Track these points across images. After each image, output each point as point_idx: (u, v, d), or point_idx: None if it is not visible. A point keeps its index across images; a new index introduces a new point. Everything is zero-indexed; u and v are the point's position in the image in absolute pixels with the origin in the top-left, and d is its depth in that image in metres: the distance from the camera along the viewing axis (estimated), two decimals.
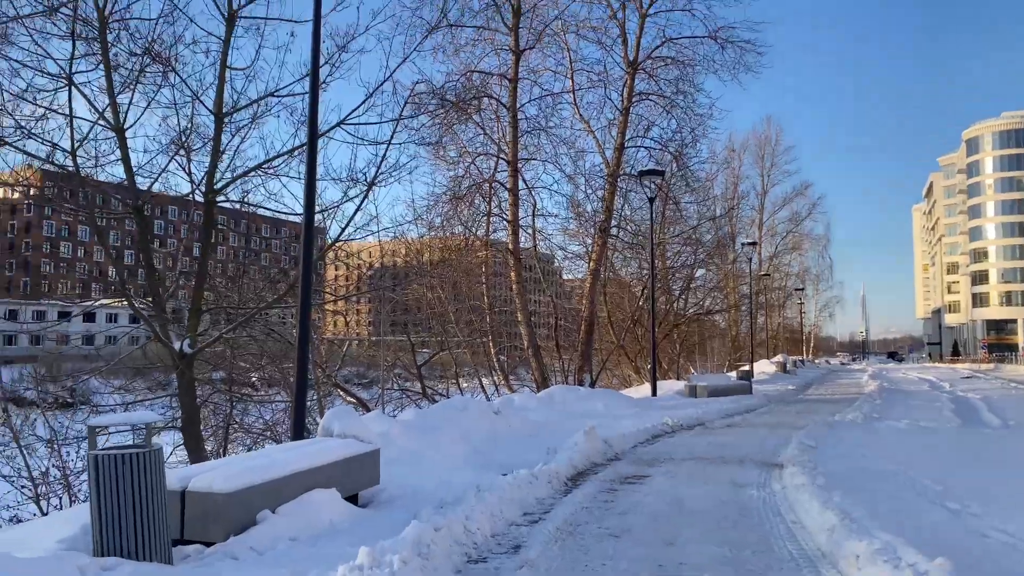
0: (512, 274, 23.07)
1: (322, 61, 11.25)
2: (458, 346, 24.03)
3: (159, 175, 11.05)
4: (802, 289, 60.14)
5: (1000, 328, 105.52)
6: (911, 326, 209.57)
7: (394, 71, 10.91)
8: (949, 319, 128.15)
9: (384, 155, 10.66)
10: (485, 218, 25.04)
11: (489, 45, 22.58)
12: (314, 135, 7.98)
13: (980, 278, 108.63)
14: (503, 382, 25.67)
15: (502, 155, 22.80)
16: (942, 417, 14.53)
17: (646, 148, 24.25)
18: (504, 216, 23.34)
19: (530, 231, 24.25)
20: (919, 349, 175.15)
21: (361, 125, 11.16)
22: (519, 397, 15.14)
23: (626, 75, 23.68)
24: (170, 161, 11.10)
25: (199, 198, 11.13)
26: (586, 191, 24.26)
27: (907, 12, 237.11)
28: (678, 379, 33.77)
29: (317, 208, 11.48)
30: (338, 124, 11.28)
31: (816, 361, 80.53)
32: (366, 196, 10.41)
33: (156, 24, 10.44)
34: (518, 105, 22.24)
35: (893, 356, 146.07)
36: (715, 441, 11.91)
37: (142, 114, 10.83)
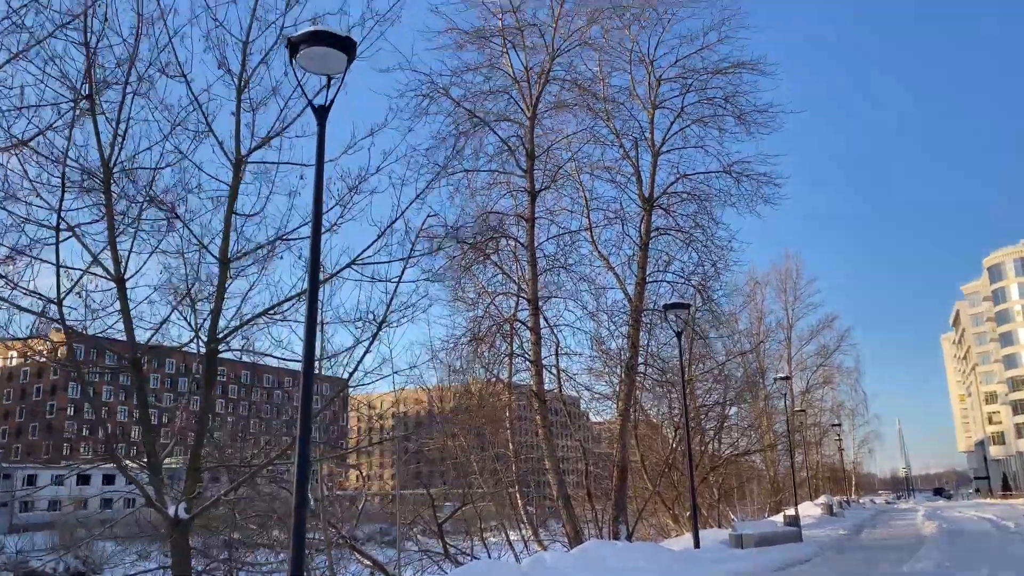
0: (537, 418, 21.95)
1: (332, 203, 10.91)
2: (483, 499, 22.56)
3: (160, 326, 10.44)
4: (839, 424, 57.81)
5: None
6: (954, 460, 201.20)
7: (405, 210, 10.47)
8: (994, 451, 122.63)
9: (394, 293, 10.00)
10: (507, 359, 24.28)
11: (504, 187, 22.64)
12: (315, 279, 7.34)
13: (1021, 407, 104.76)
14: (532, 536, 23.95)
15: (522, 294, 22.28)
16: None
17: (668, 282, 23.73)
18: (527, 356, 22.51)
19: (554, 371, 23.31)
20: (966, 484, 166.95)
21: (372, 264, 10.60)
22: (551, 556, 13.72)
23: (643, 211, 23.52)
24: (172, 311, 10.53)
25: (200, 347, 10.45)
26: (609, 328, 23.48)
27: (914, 141, 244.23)
28: (719, 526, 31.57)
29: (327, 354, 10.80)
30: (348, 265, 10.74)
31: (860, 501, 76.30)
32: (375, 337, 9.66)
33: (160, 172, 10.18)
34: (536, 244, 21.95)
35: (940, 493, 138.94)
36: None
37: (144, 263, 10.34)
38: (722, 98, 22.62)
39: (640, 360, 24.54)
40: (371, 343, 9.48)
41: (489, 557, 21.26)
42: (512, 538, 23.96)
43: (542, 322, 22.83)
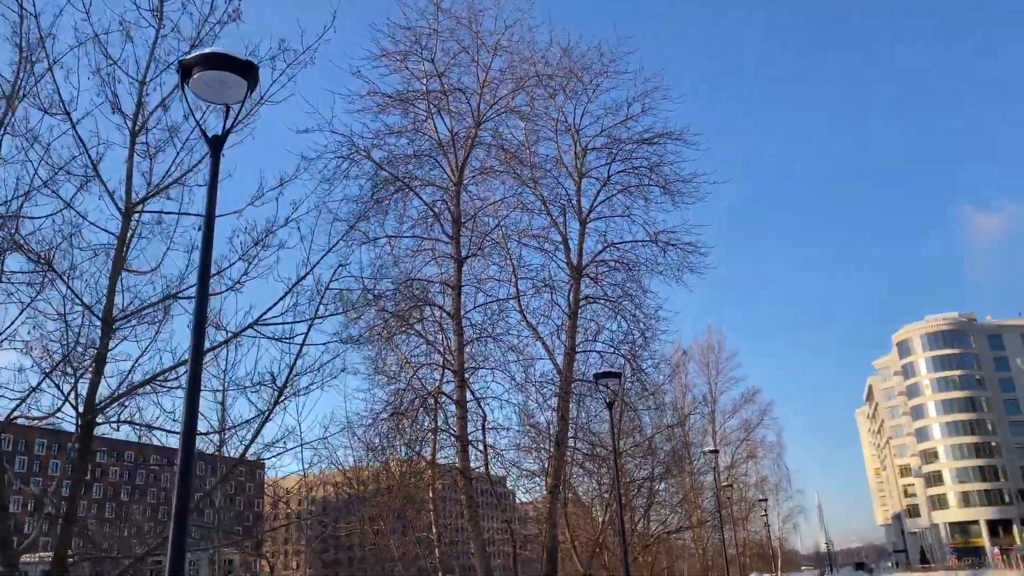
0: (463, 497, 20.64)
1: (235, 258, 9.90)
2: None
3: (27, 395, 9.06)
4: (765, 500, 57.68)
5: (964, 531, 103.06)
6: (872, 534, 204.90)
7: (315, 265, 9.49)
8: (910, 524, 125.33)
9: (298, 355, 8.91)
10: (430, 436, 23.07)
11: (430, 254, 21.83)
12: (199, 337, 6.24)
13: (934, 479, 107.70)
14: None
15: (448, 365, 21.26)
16: None
17: (598, 352, 23.09)
18: (452, 432, 21.33)
19: (480, 447, 22.16)
20: (885, 558, 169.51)
21: (278, 325, 9.52)
22: None
23: (571, 280, 23.03)
24: (44, 379, 9.18)
25: (75, 420, 9.08)
26: (538, 400, 22.57)
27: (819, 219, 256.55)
28: None
29: (228, 425, 9.57)
30: (250, 325, 9.63)
31: None
32: (277, 402, 8.49)
33: (34, 221, 9.00)
34: (462, 312, 21.08)
35: (861, 567, 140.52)
36: None
37: (12, 324, 9.02)
38: (647, 167, 22.62)
39: (570, 434, 23.67)
40: (271, 410, 8.32)
41: None
42: None
43: (468, 395, 21.84)
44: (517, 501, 39.35)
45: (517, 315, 23.14)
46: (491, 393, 22.02)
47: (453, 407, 21.30)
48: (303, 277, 9.91)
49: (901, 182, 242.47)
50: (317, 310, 9.05)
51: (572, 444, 24.43)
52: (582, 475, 28.92)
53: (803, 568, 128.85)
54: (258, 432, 8.39)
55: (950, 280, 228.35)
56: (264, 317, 9.74)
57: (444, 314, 21.52)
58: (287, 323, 9.40)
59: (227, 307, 9.46)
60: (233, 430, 8.84)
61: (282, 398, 8.35)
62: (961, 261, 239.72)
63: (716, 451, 34.09)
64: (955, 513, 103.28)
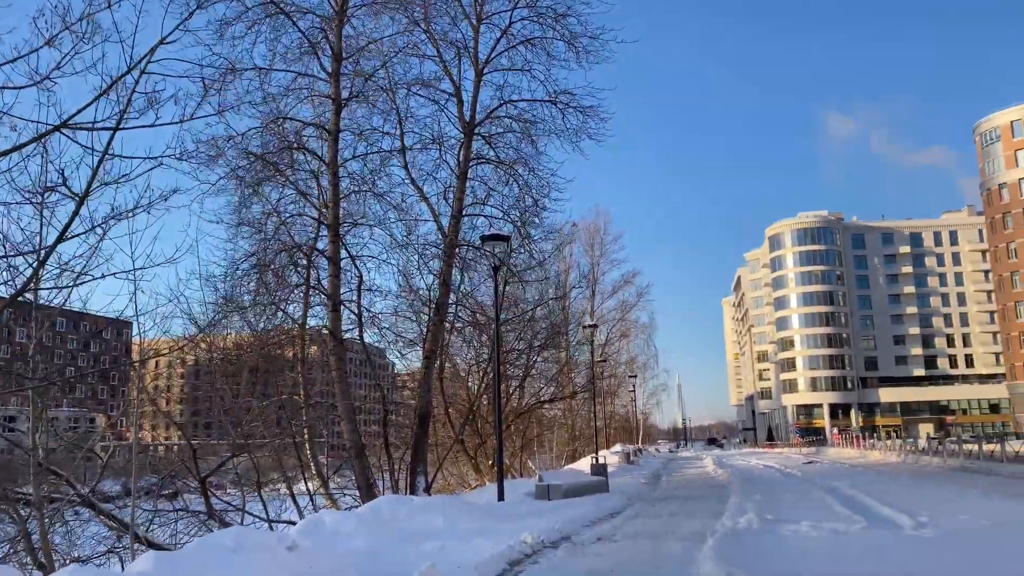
0: (332, 359, 19.41)
1: (40, 43, 7.74)
2: (261, 449, 19.78)
3: None
4: (635, 376, 59.85)
5: (809, 413, 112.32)
6: (724, 413, 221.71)
7: (148, 56, 7.50)
8: (762, 405, 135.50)
9: (103, 156, 7.08)
10: (300, 295, 21.51)
11: (305, 93, 19.51)
12: None
13: (788, 365, 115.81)
14: (323, 490, 21.58)
15: (321, 219, 19.49)
16: (837, 515, 12.39)
17: (486, 217, 21.83)
18: (323, 291, 19.82)
19: (354, 308, 20.80)
20: (733, 435, 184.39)
21: (86, 129, 7.56)
22: (332, 517, 11.43)
23: (463, 137, 21.36)
24: None
25: None
26: (419, 264, 21.29)
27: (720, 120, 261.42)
28: (521, 475, 30.79)
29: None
30: (57, 128, 7.64)
31: (647, 449, 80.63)
32: (76, 213, 6.69)
33: None
34: (340, 161, 19.17)
35: (713, 442, 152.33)
36: (590, 567, 8.92)
37: None
38: (553, 17, 20.75)
39: (451, 300, 22.70)
40: (69, 224, 6.54)
41: (267, 514, 18.64)
42: (304, 490, 21.52)
43: (343, 253, 20.28)
44: (396, 371, 38.67)
45: (401, 171, 21.44)
46: (368, 252, 20.52)
47: (327, 265, 19.75)
48: (125, 74, 7.89)
49: (783, 87, 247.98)
50: (128, 104, 7.14)
51: (453, 311, 23.51)
52: (460, 344, 28.36)
53: (659, 441, 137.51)
54: (50, 252, 6.61)
55: (831, 180, 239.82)
56: (77, 120, 7.75)
57: (319, 162, 19.54)
58: (100, 128, 7.46)
59: (28, 104, 7.42)
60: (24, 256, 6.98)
61: (81, 206, 6.56)
62: (848, 162, 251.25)
63: (595, 326, 34.16)
64: (803, 397, 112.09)
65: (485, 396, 27.46)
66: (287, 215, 19.34)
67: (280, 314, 20.75)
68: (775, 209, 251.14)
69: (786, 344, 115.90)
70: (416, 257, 21.55)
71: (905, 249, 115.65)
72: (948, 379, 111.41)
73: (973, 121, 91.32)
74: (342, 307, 20.16)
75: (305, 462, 22.14)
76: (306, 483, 21.68)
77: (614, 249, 58.47)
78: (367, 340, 21.77)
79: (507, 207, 21.62)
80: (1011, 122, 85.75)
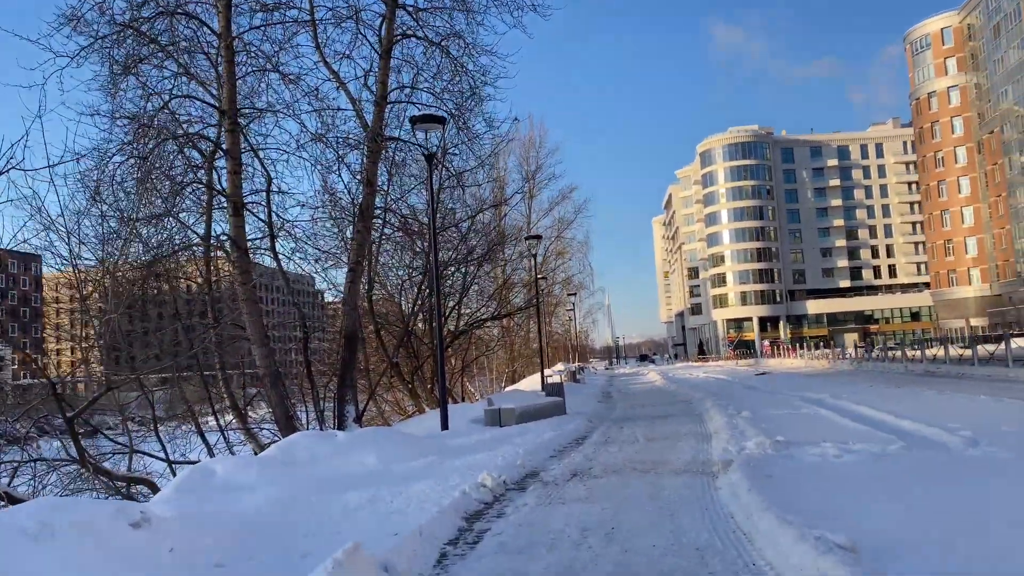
0: (236, 272, 16.33)
1: None
2: (160, 383, 16.88)
3: None
4: (575, 294, 58.12)
5: (739, 326, 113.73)
6: (653, 330, 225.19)
7: None
8: (692, 320, 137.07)
9: None
10: (199, 202, 18.25)
11: None
12: None
13: (719, 281, 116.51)
14: (239, 424, 18.78)
15: (214, 102, 16.09)
16: (855, 432, 10.34)
17: (416, 104, 18.65)
18: (221, 191, 16.59)
19: (263, 214, 17.66)
20: (662, 351, 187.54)
21: None
22: (227, 465, 8.73)
23: (385, 8, 17.99)
24: None
25: None
26: (337, 162, 18.08)
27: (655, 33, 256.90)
28: (463, 399, 28.56)
29: None
30: None
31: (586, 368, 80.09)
32: None
33: None
34: (234, 31, 15.67)
35: (645, 358, 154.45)
36: (577, 519, 6.51)
37: None
38: None
39: (379, 206, 19.74)
40: None
41: (166, 454, 15.82)
42: (216, 427, 18.75)
43: (244, 145, 17.00)
44: (320, 293, 35.46)
45: (312, 52, 18.01)
46: (275, 143, 17.28)
47: (222, 161, 16.45)
48: None
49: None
50: None
51: (381, 218, 20.58)
52: (390, 261, 25.47)
53: (591, 360, 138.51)
54: None
55: (766, 95, 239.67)
56: None
57: (208, 31, 15.99)
58: None
59: None
60: None
61: None
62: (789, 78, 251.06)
63: (538, 236, 31.59)
64: (734, 311, 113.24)
65: (420, 314, 24.83)
66: (170, 97, 15.82)
67: (176, 225, 17.51)
68: (708, 127, 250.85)
69: (717, 260, 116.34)
70: (334, 155, 18.32)
71: (833, 162, 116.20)
72: (872, 289, 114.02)
73: (863, 32, 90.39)
74: (247, 211, 17.04)
75: (214, 393, 19.32)
76: (216, 418, 18.88)
77: (551, 163, 55.88)
78: (282, 253, 18.73)
79: (440, 92, 18.52)
80: (941, 29, 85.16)
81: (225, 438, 18.46)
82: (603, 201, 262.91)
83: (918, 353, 27.26)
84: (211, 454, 18.17)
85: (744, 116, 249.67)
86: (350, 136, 18.15)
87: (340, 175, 18.52)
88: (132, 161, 15.16)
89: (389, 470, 9.52)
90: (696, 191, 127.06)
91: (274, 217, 17.99)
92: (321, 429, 18.29)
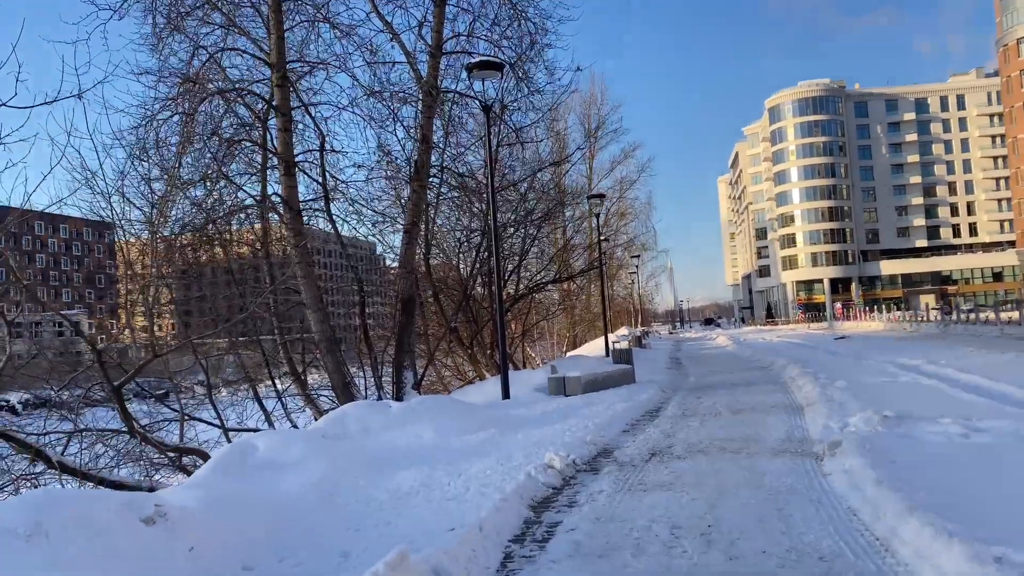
0: (290, 234, 15.69)
1: None
2: (211, 350, 16.46)
3: None
4: (638, 256, 56.52)
5: (808, 288, 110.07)
6: (718, 294, 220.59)
7: None
8: (760, 283, 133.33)
9: None
10: (254, 164, 17.65)
11: None
12: None
13: (788, 241, 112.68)
14: (300, 391, 18.32)
15: (263, 55, 15.33)
16: (972, 405, 9.04)
17: (472, 53, 17.53)
18: (273, 151, 15.89)
19: (316, 174, 16.95)
20: (727, 315, 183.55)
21: None
22: (269, 440, 8.00)
23: None
24: None
25: None
26: (391, 119, 17.14)
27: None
28: (524, 366, 27.76)
29: None
30: None
31: (651, 332, 78.49)
32: None
33: None
34: None
35: (710, 322, 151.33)
36: (665, 513, 5.53)
37: None
38: None
39: (435, 163, 18.81)
40: None
41: (221, 423, 15.39)
42: (281, 390, 18.39)
43: (295, 101, 16.25)
44: (379, 256, 34.92)
45: (363, 0, 17.07)
46: (327, 98, 16.46)
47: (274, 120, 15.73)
48: None
49: None
50: None
51: (438, 177, 19.64)
52: (447, 224, 24.58)
53: (654, 324, 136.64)
54: None
55: (835, 48, 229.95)
56: None
57: None
58: None
59: None
60: None
61: None
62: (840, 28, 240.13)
63: (602, 195, 30.32)
64: (804, 272, 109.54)
65: (479, 278, 23.95)
66: (217, 51, 15.11)
67: (228, 187, 16.93)
68: (777, 83, 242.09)
69: (786, 220, 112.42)
70: (388, 111, 17.39)
71: (910, 116, 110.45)
72: (951, 249, 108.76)
73: None
74: (299, 171, 16.34)
75: (274, 359, 18.92)
76: (275, 383, 18.45)
77: (613, 120, 53.93)
78: (337, 216, 18.01)
79: (498, 39, 17.38)
80: None
81: (283, 404, 18.03)
82: (666, 161, 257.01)
83: (1015, 315, 25.23)
84: (269, 421, 17.80)
85: (814, 69, 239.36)
86: (404, 90, 17.21)
87: (395, 133, 17.54)
88: (177, 118, 14.52)
89: (446, 444, 8.69)
90: (764, 148, 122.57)
91: (328, 178, 17.33)
92: (379, 396, 17.71)
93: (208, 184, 16.38)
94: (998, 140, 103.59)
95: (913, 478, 5.34)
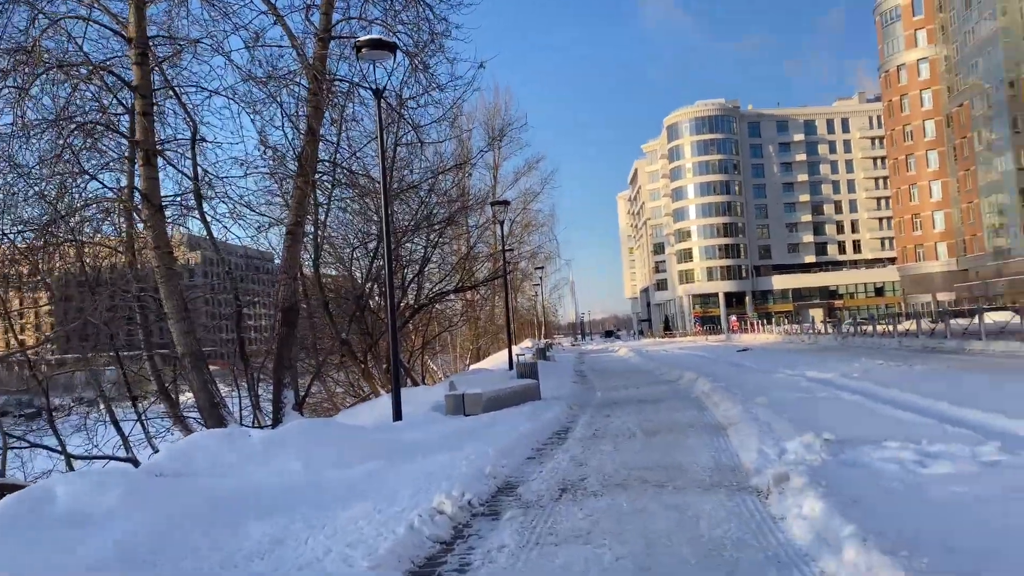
0: (149, 233, 13.71)
1: None
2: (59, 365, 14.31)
3: None
4: (542, 268, 55.84)
5: (705, 302, 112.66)
6: (617, 307, 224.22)
7: None
8: (658, 296, 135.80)
9: None
10: (117, 158, 15.58)
11: None
12: None
13: (685, 256, 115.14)
14: (170, 412, 16.23)
15: (117, 27, 13.35)
16: (915, 426, 8.18)
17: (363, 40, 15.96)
18: (126, 136, 13.89)
19: (185, 164, 15.04)
20: (628, 327, 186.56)
21: None
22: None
23: None
24: None
25: None
26: (273, 99, 15.32)
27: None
28: (423, 380, 26.19)
29: None
30: None
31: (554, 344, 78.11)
32: None
33: None
34: None
35: (610, 334, 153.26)
36: None
37: None
38: None
39: (326, 158, 17.15)
40: None
41: (62, 448, 13.22)
42: (143, 410, 16.19)
43: (162, 82, 14.32)
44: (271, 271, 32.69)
45: None
46: (195, 80, 14.51)
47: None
48: None
49: None
50: None
51: (329, 173, 17.93)
52: (341, 228, 22.84)
53: (556, 336, 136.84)
54: None
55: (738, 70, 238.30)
56: None
57: None
58: None
59: None
60: None
61: None
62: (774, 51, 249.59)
63: (506, 202, 29.21)
64: (700, 286, 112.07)
65: (375, 286, 22.30)
66: (59, 16, 13.02)
67: (82, 180, 14.77)
68: (670, 103, 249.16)
69: (683, 235, 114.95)
70: (268, 98, 15.59)
71: (799, 137, 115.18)
72: (837, 265, 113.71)
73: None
74: (168, 164, 14.45)
75: (136, 376, 16.80)
76: (134, 403, 16.28)
77: (516, 130, 53.06)
78: (214, 217, 15.99)
79: (392, 22, 15.93)
80: (911, 1, 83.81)
81: (144, 427, 15.90)
82: (567, 177, 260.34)
83: (912, 326, 25.67)
84: (127, 446, 15.68)
85: (709, 91, 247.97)
86: (287, 76, 15.47)
87: (283, 128, 15.71)
88: (8, 94, 12.38)
89: (318, 482, 7.16)
90: (663, 165, 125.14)
91: (201, 172, 15.44)
92: (256, 417, 15.87)
93: (46, 171, 14.14)
94: (879, 162, 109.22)
95: (887, 529, 4.23)
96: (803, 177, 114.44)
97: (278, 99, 15.44)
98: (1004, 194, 68.51)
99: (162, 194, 14.27)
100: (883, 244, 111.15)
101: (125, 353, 17.00)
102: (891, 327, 27.80)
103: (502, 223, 28.32)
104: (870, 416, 9.06)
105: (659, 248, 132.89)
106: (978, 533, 4.17)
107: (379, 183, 17.80)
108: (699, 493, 6.15)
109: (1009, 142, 66.83)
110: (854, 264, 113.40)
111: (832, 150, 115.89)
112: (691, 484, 6.53)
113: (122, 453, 15.53)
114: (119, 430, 15.48)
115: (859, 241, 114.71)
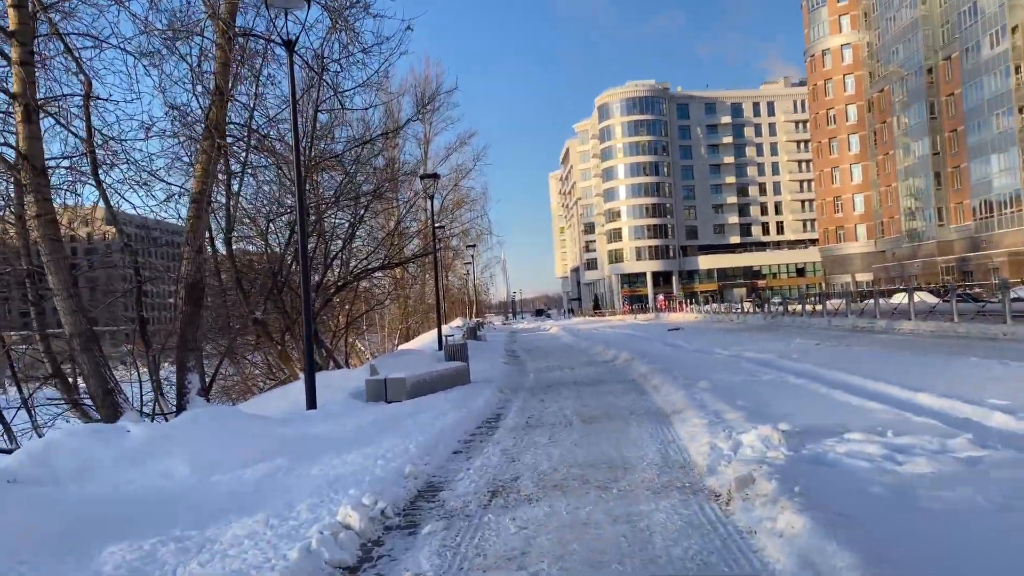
0: (30, 200, 12.18)
1: None
2: None
3: None
4: (474, 246, 54.83)
5: (633, 281, 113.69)
6: (548, 286, 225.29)
7: None
8: (588, 276, 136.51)
9: None
10: None
11: None
12: None
13: (615, 236, 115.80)
14: (65, 396, 14.65)
15: None
16: (869, 413, 7.63)
17: None
18: (4, 90, 12.27)
19: (76, 124, 13.47)
20: (557, 306, 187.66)
21: None
22: None
23: None
24: None
25: None
26: (170, 50, 13.81)
27: None
28: (348, 363, 24.98)
29: None
30: None
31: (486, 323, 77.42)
32: None
33: None
34: None
35: (541, 313, 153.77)
36: None
37: None
38: None
39: (239, 122, 15.75)
40: None
41: None
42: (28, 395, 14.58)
43: (48, 31, 12.70)
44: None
45: None
46: (85, 30, 12.92)
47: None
48: None
49: None
50: None
51: (244, 139, 16.51)
52: (257, 200, 21.33)
53: (487, 315, 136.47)
54: None
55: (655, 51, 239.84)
56: None
57: None
58: None
59: None
60: None
61: None
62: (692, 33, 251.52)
63: (436, 175, 27.99)
64: (629, 266, 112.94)
65: (293, 262, 20.94)
66: None
67: None
68: (601, 84, 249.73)
69: (613, 215, 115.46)
70: (169, 53, 14.08)
71: (726, 119, 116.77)
72: (761, 246, 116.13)
73: None
74: (46, 116, 12.85)
75: (24, 359, 15.18)
76: (19, 387, 14.67)
77: (448, 105, 51.65)
78: (112, 184, 14.42)
79: None
80: None
81: (30, 414, 14.32)
82: (500, 156, 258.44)
83: (841, 305, 25.77)
84: (10, 435, 14.11)
85: (640, 71, 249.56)
86: (191, 26, 13.98)
87: (193, 89, 14.22)
88: None
89: (204, 488, 6.10)
90: (594, 146, 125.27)
91: (97, 135, 13.89)
92: (159, 403, 14.50)
93: None
94: (802, 145, 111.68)
95: (892, 556, 3.49)
96: (729, 159, 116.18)
97: (184, 56, 13.98)
98: (920, 178, 70.68)
99: (50, 156, 12.73)
100: (805, 226, 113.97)
101: (13, 334, 15.41)
102: (819, 307, 27.94)
103: (432, 197, 27.17)
104: (823, 402, 8.49)
105: (589, 228, 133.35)
106: (1004, 562, 3.46)
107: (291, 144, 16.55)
108: (649, 498, 5.36)
109: (926, 128, 68.85)
110: (777, 245, 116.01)
111: (758, 133, 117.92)
112: (639, 486, 5.74)
113: (4, 443, 13.99)
114: (3, 421, 13.91)
115: (782, 222, 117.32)
